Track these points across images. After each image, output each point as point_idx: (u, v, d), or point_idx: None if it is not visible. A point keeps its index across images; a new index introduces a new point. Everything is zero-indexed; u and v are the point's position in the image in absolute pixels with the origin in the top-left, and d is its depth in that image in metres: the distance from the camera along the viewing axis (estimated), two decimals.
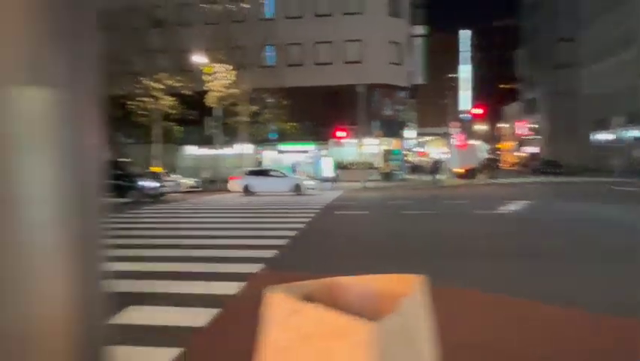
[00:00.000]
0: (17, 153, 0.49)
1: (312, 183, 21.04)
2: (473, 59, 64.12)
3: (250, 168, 22.85)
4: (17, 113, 0.49)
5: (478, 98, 58.95)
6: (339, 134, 29.10)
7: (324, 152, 29.37)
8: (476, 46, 66.44)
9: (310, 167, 26.99)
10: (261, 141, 29.08)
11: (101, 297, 0.65)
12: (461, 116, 48.04)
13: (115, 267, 3.86)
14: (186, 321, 3.98)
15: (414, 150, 43.18)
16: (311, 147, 29.92)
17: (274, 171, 21.87)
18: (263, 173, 21.40)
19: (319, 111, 28.41)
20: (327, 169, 26.36)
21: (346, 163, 29.20)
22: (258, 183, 20.38)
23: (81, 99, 0.60)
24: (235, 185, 20.82)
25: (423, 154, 46.91)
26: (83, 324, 0.59)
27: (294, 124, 28.31)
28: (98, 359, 0.62)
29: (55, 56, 0.54)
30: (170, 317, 4.09)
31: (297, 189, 20.01)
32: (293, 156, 28.83)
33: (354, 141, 29.60)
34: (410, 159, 38.87)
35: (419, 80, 37.04)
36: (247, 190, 20.22)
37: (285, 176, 21.19)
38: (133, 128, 26.46)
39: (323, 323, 0.51)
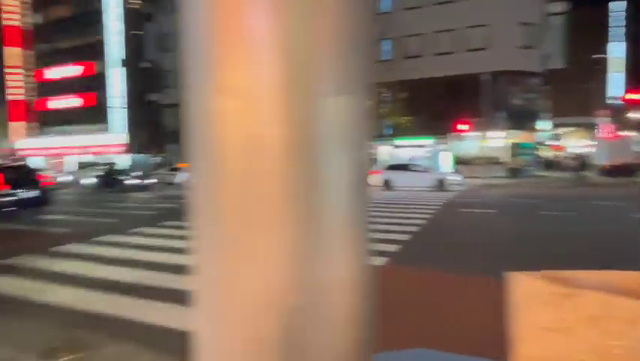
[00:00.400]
0: (326, 150, 0.61)
1: (458, 178, 19.68)
2: (627, 35, 54.30)
3: (391, 163, 22.45)
4: (326, 119, 0.61)
5: (633, 80, 49.80)
6: (459, 127, 27.46)
7: (442, 146, 28.03)
8: (630, 20, 56.08)
9: (428, 162, 26.06)
10: (376, 136, 29.06)
11: (370, 272, 0.74)
12: (611, 102, 41.19)
13: None
14: None
15: (548, 143, 38.47)
16: (429, 142, 28.82)
17: (416, 165, 21.18)
18: (404, 168, 20.78)
19: (438, 104, 27.18)
20: (446, 164, 25.03)
21: (467, 158, 27.42)
22: (398, 178, 19.84)
23: (364, 101, 0.69)
24: (374, 179, 20.84)
25: (559, 148, 41.49)
26: (362, 295, 0.67)
27: (411, 118, 27.61)
28: (368, 331, 0.70)
29: (354, 64, 0.64)
30: None
31: (441, 184, 19.00)
32: (409, 151, 28.16)
33: (477, 134, 27.62)
34: (543, 153, 34.73)
35: (556, 63, 32.82)
36: (387, 185, 19.87)
37: (427, 171, 20.39)
38: None
39: (614, 308, 0.54)
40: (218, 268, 0.62)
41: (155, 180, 23.38)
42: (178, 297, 4.59)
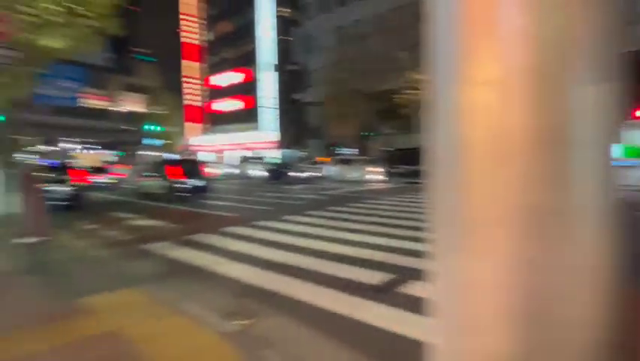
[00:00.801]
0: (576, 143, 0.60)
1: None
2: None
3: None
4: (578, 109, 0.59)
5: None
6: (638, 113, 22.57)
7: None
8: None
9: None
10: None
11: (617, 273, 0.69)
12: None
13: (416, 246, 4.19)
14: None
15: None
16: None
17: (625, 161, 18.44)
18: None
19: None
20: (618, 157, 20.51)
21: None
22: None
23: (616, 89, 0.65)
24: None
25: None
26: (606, 296, 0.64)
27: None
28: (609, 333, 0.66)
29: (607, 52, 0.60)
30: None
31: None
32: None
33: None
34: None
35: None
36: None
37: (633, 166, 17.44)
38: (396, 119, 28.62)
39: None
40: (456, 269, 0.61)
41: (319, 173, 25.44)
42: (320, 278, 4.91)
